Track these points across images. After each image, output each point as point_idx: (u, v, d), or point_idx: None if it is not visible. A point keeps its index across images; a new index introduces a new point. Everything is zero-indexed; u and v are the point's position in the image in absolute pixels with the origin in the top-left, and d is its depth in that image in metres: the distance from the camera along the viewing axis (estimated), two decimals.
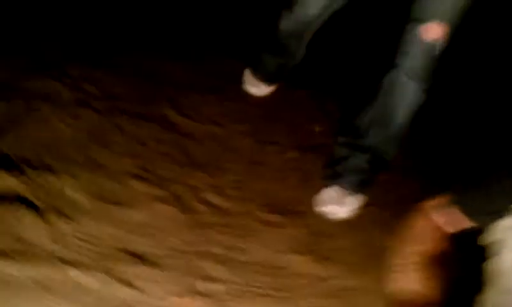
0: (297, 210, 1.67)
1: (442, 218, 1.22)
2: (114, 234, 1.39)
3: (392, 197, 1.80)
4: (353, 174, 1.72)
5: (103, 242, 1.36)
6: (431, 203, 1.27)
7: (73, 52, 1.69)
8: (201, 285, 1.37)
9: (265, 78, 1.93)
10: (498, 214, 1.19)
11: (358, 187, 1.73)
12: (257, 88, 1.95)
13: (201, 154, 1.67)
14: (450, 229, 1.25)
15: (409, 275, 1.26)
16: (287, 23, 1.74)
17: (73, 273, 1.26)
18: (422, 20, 1.51)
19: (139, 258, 1.37)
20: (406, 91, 1.56)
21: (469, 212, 1.24)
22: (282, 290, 1.46)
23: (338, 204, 1.69)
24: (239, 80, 1.91)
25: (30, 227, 1.31)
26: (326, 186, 1.73)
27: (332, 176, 1.74)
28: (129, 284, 1.30)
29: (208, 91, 1.83)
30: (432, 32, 1.49)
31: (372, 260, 1.61)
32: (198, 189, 1.59)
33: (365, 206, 1.73)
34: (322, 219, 1.68)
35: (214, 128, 1.75)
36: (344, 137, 1.76)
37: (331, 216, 1.69)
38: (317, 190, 1.73)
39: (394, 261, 1.32)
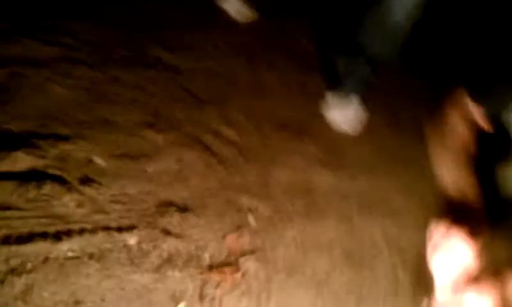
0: (311, 128, 1.70)
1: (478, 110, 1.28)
2: (145, 188, 1.36)
3: (400, 99, 1.87)
4: (359, 84, 1.75)
5: (137, 199, 1.34)
6: (463, 97, 1.32)
7: (44, 6, 1.55)
8: (244, 219, 1.40)
9: None
10: None
11: (365, 95, 1.77)
12: (237, 9, 1.89)
13: (204, 90, 1.63)
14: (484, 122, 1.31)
15: (451, 172, 1.33)
16: None
17: (121, 237, 1.25)
18: None
19: (178, 206, 1.35)
20: None
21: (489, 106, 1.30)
22: (316, 210, 1.51)
23: (349, 115, 1.74)
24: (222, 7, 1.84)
25: (61, 201, 1.26)
26: (334, 100, 1.76)
27: (338, 89, 1.76)
28: (177, 234, 1.30)
29: (194, 24, 1.75)
30: None
31: (396, 162, 1.69)
32: (211, 126, 1.56)
33: (376, 111, 1.78)
34: (337, 132, 1.72)
35: (209, 61, 1.70)
36: (343, 49, 1.76)
37: (344, 127, 1.74)
38: (325, 105, 1.76)
39: (435, 159, 1.38)
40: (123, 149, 1.41)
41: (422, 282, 1.35)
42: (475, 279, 1.21)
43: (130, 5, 1.68)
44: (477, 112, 1.32)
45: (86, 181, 1.30)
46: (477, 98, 1.31)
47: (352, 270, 1.40)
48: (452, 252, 1.19)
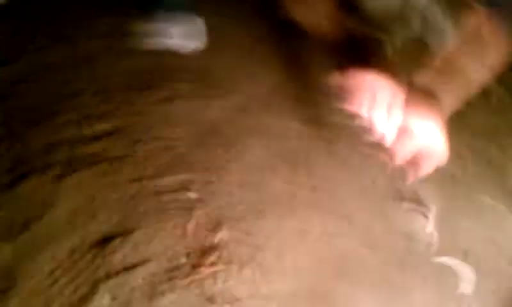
0: (165, 70, 1.63)
1: None
2: (73, 243, 1.20)
3: None
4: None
5: (73, 259, 1.19)
6: None
7: None
8: (184, 199, 1.32)
9: None
10: None
11: (192, 6, 1.70)
12: None
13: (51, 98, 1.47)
14: None
15: (322, 22, 1.38)
16: None
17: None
18: None
19: (119, 235, 1.23)
20: None
21: None
22: (234, 144, 1.47)
23: (189, 33, 1.66)
24: None
25: None
26: (163, 25, 1.66)
27: (160, 12, 1.66)
28: (140, 262, 1.19)
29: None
30: None
31: (275, 53, 1.69)
32: (86, 134, 1.42)
33: (214, 18, 1.74)
34: (191, 58, 1.65)
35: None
36: None
37: (191, 47, 1.67)
38: (157, 36, 1.66)
39: (303, 22, 1.41)
40: (21, 220, 1.22)
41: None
42: (408, 102, 1.28)
43: None
44: None
45: (6, 289, 1.11)
46: None
47: (306, 171, 1.42)
48: (374, 93, 1.24)
